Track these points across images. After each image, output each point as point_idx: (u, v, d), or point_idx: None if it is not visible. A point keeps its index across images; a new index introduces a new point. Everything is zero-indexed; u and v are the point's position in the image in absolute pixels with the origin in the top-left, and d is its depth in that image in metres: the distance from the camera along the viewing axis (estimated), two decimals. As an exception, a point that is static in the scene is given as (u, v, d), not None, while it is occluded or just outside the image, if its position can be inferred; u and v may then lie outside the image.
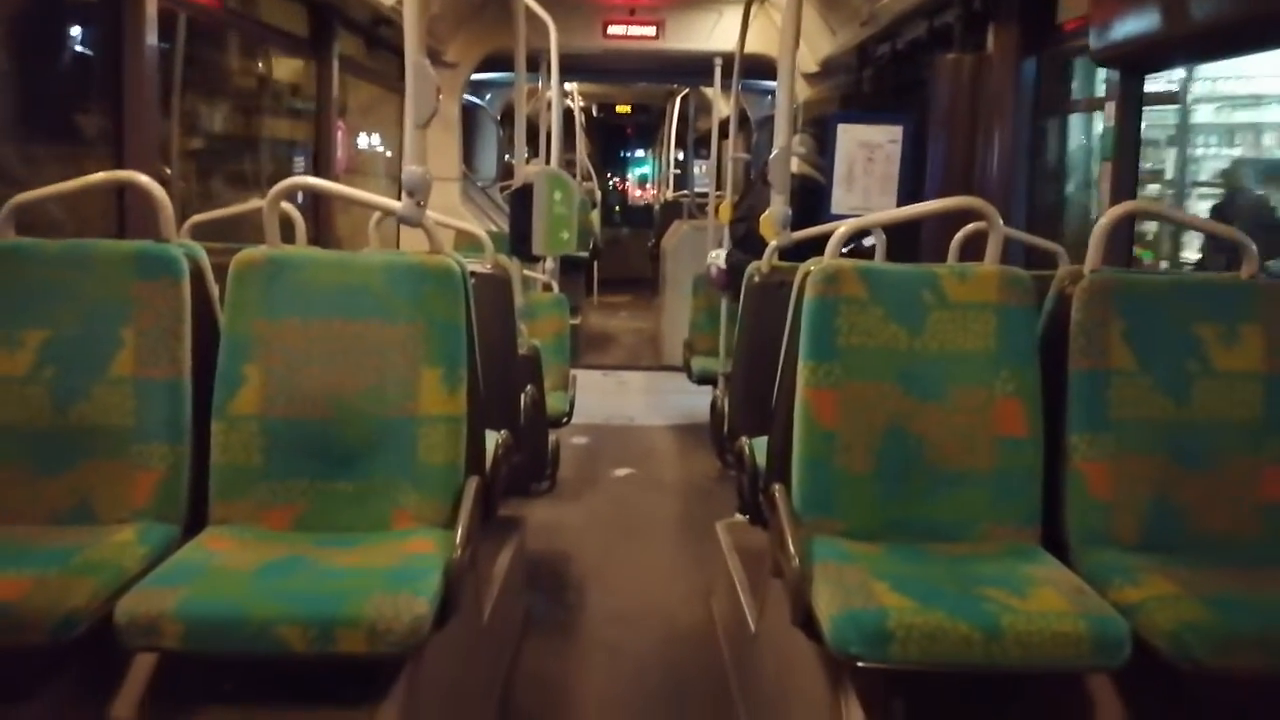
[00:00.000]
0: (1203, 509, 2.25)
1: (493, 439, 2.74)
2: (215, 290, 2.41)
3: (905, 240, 3.93)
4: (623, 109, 16.65)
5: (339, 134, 5.58)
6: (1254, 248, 2.33)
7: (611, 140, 18.06)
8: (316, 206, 5.12)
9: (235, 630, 1.80)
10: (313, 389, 2.28)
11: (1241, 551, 2.20)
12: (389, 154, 7.05)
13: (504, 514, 3.62)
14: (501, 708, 3.00)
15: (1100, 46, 3.13)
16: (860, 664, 1.84)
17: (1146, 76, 3.22)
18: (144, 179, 2.37)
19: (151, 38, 3.28)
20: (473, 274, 2.50)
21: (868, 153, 4.41)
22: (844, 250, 2.52)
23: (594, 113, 16.27)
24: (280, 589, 1.88)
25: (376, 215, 3.70)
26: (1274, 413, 2.27)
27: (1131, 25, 3.00)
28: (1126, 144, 3.17)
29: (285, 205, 2.81)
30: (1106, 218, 2.37)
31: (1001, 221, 2.41)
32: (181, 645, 1.79)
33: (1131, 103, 3.18)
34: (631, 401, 7.36)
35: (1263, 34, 2.72)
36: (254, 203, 4.07)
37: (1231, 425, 2.27)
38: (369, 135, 6.78)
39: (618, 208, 16.28)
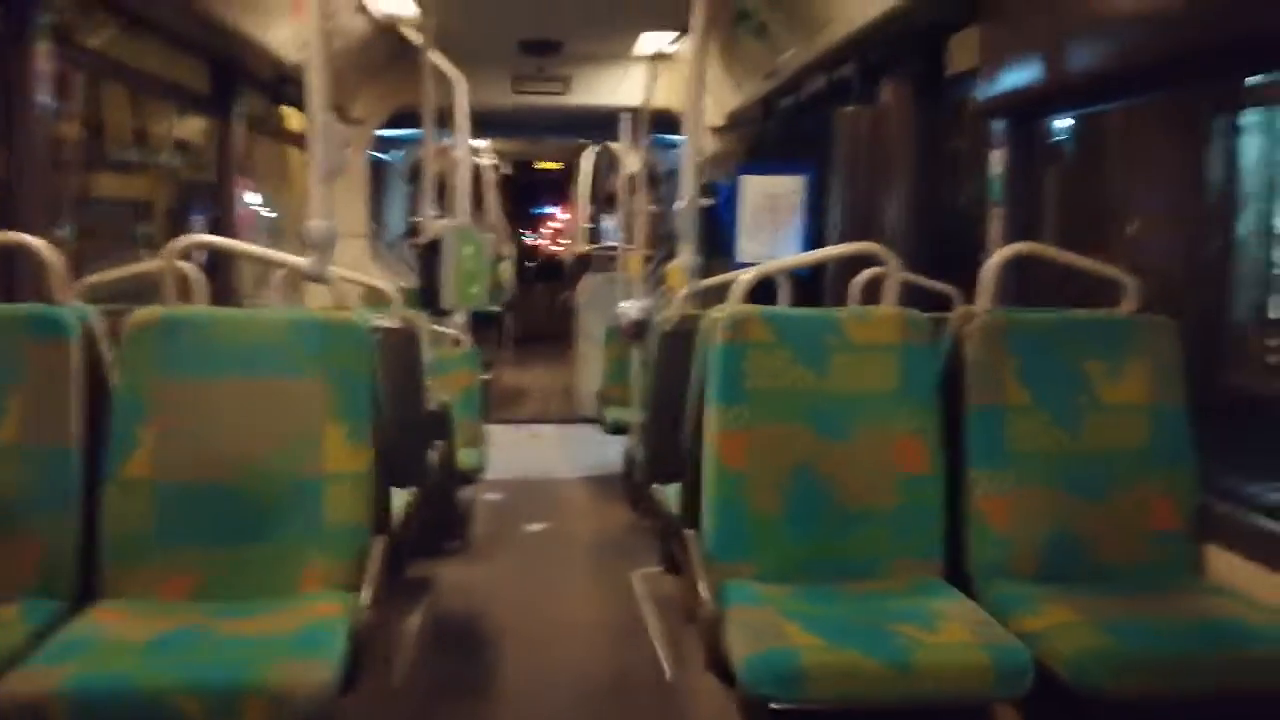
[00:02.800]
0: (1098, 538, 2.33)
1: (401, 497, 2.69)
2: (108, 354, 2.33)
3: (809, 286, 4.03)
4: (536, 165, 16.78)
5: (243, 193, 5.48)
6: (1134, 284, 2.45)
7: (524, 195, 18.14)
8: (216, 264, 5.01)
9: (127, 706, 1.71)
10: (211, 450, 2.21)
11: (1134, 578, 2.28)
12: (293, 211, 6.96)
13: (415, 574, 3.55)
14: (415, 773, 2.90)
15: (987, 97, 3.28)
16: (774, 705, 1.84)
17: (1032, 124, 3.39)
18: (35, 241, 2.29)
19: (44, 94, 3.18)
20: (379, 329, 2.47)
21: (771, 203, 4.53)
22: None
23: (506, 168, 16.34)
24: (176, 660, 1.80)
25: (280, 271, 3.64)
26: (1159, 443, 2.37)
27: (1016, 76, 3.16)
28: (1015, 189, 3.32)
29: (184, 264, 2.75)
30: (995, 258, 2.47)
31: (897, 265, 2.48)
32: None
33: (1019, 149, 3.33)
34: (545, 455, 7.31)
35: (1142, 82, 2.89)
36: (151, 263, 3.97)
37: (1121, 456, 2.37)
38: (273, 192, 6.69)
39: (530, 262, 16.30)
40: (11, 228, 3.06)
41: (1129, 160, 3.63)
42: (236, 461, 2.21)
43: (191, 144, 5.40)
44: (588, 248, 13.29)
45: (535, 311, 13.82)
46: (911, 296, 3.08)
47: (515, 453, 7.09)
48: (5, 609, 1.99)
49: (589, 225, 14.06)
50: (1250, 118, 3.34)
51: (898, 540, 2.29)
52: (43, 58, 3.15)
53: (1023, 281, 3.34)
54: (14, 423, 2.15)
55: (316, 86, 2.33)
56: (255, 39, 4.50)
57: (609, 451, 6.81)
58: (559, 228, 18.63)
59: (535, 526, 5.49)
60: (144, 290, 4.02)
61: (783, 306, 3.14)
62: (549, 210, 18.86)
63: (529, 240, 18.27)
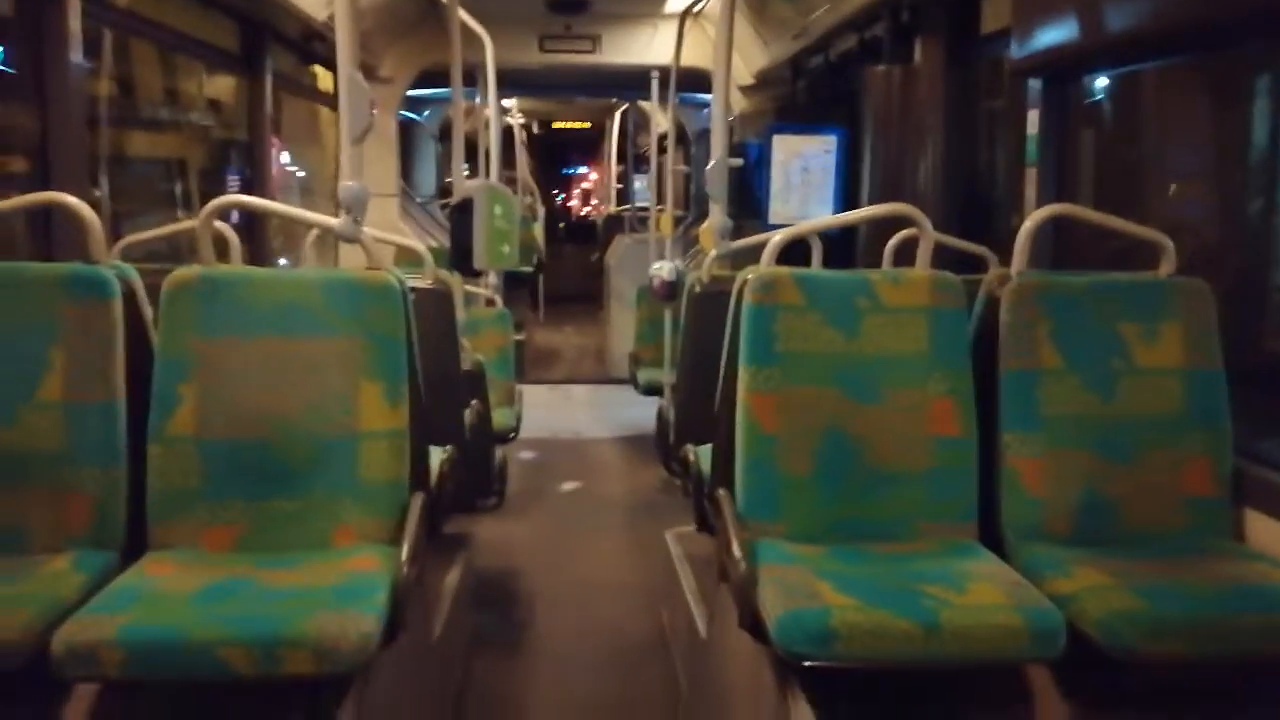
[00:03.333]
0: (1131, 502, 2.32)
1: (437, 455, 2.73)
2: (149, 312, 2.38)
3: (842, 247, 4.02)
4: (564, 125, 16.70)
5: (274, 150, 5.52)
6: (1171, 247, 2.42)
7: (554, 156, 18.09)
8: (251, 225, 5.06)
9: (177, 655, 1.76)
10: (251, 408, 2.25)
11: (1167, 542, 2.28)
12: (324, 170, 6.99)
13: (451, 531, 3.61)
14: (452, 726, 2.98)
15: (1021, 57, 3.22)
16: (806, 664, 1.86)
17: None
18: (71, 200, 2.32)
19: (76, 55, 3.21)
20: (413, 289, 2.50)
21: (803, 163, 4.50)
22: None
23: (535, 129, 16.29)
24: (222, 611, 1.85)
25: (314, 232, 3.67)
26: (1193, 407, 2.36)
27: (1051, 36, 3.10)
28: (1050, 150, 3.27)
29: (219, 224, 2.78)
30: (1030, 221, 2.45)
31: (930, 227, 2.47)
32: (122, 674, 1.76)
33: (1054, 110, 3.28)
34: (578, 415, 7.37)
35: (1179, 41, 2.84)
36: (186, 223, 4.02)
37: (1155, 420, 2.35)
38: (304, 152, 6.72)
39: (562, 223, 16.29)
40: (46, 187, 3.13)
41: (1169, 118, 3.56)
42: (276, 419, 2.25)
43: (223, 103, 5.43)
44: (617, 208, 13.29)
45: (566, 272, 13.86)
46: (946, 258, 3.07)
47: (549, 412, 7.16)
48: (59, 559, 2.06)
49: (618, 186, 14.04)
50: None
51: (930, 502, 2.30)
52: (73, 16, 3.17)
53: (1059, 243, 3.31)
54: (59, 380, 2.20)
55: (344, 46, 2.33)
56: (285, -2, 4.51)
57: (641, 412, 6.85)
58: (589, 188, 18.59)
59: (569, 485, 5.56)
60: (178, 249, 4.08)
61: (815, 268, 3.13)
62: (579, 170, 18.80)
63: (560, 201, 18.25)
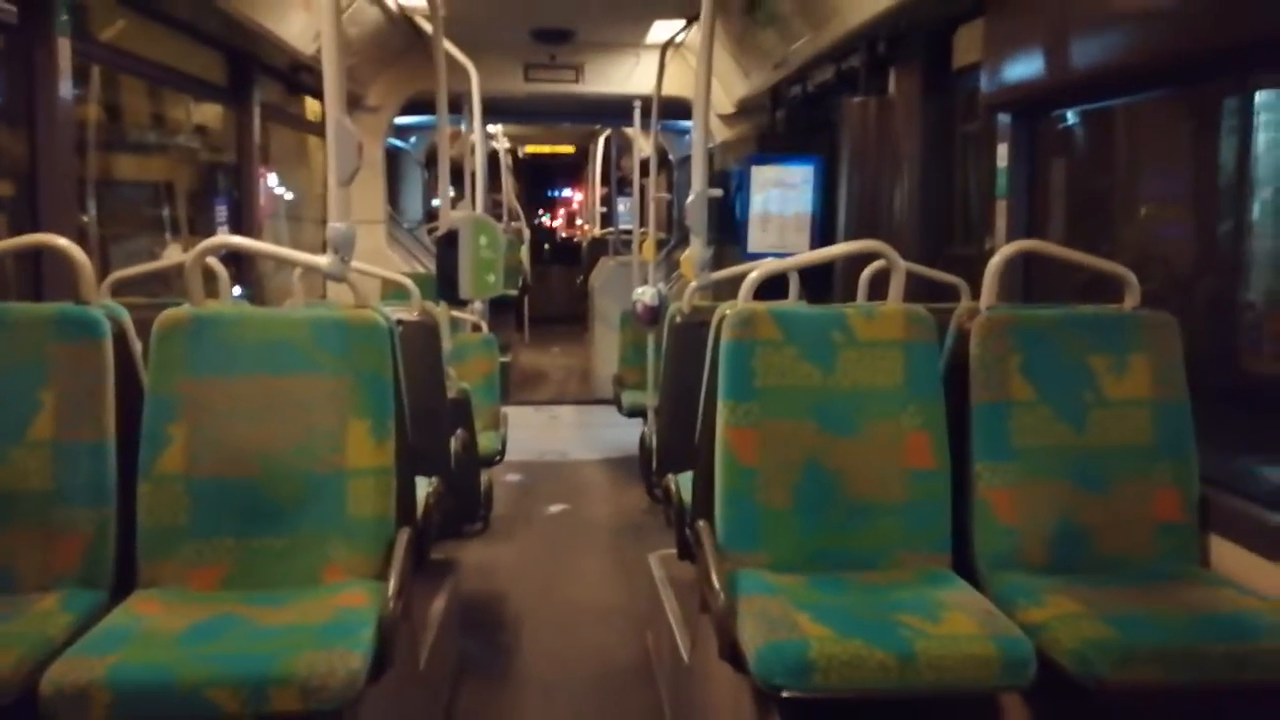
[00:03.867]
0: (1102, 530, 2.38)
1: (424, 487, 2.77)
2: (138, 349, 2.41)
3: (819, 275, 4.08)
4: (549, 149, 16.81)
5: (263, 181, 5.56)
6: (1135, 281, 2.50)
7: (538, 178, 18.18)
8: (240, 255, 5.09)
9: (165, 696, 1.79)
10: (239, 446, 2.29)
11: (1138, 569, 2.34)
12: (311, 192, 7.03)
13: (437, 557, 3.64)
14: (439, 755, 3.00)
15: (992, 90, 3.31)
16: (785, 694, 1.91)
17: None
18: (62, 242, 2.36)
19: (66, 90, 3.25)
20: (399, 321, 2.54)
21: (781, 192, 4.57)
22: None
23: (520, 153, 16.38)
24: (210, 651, 1.88)
25: (300, 270, 3.71)
26: (1162, 437, 2.42)
27: (1020, 71, 3.19)
28: (1019, 184, 3.35)
29: (210, 260, 2.82)
30: (999, 256, 2.52)
31: (902, 262, 2.53)
32: (110, 715, 1.78)
33: (1023, 144, 3.36)
34: (563, 436, 7.40)
35: (1143, 79, 2.92)
36: (176, 257, 4.04)
37: (1125, 450, 2.42)
38: (291, 175, 6.77)
39: (546, 245, 16.36)
40: (35, 219, 3.17)
41: (1139, 145, 3.65)
42: (264, 457, 2.29)
43: (210, 127, 5.47)
44: (601, 231, 13.36)
45: (551, 293, 13.92)
46: (920, 284, 3.14)
47: (534, 434, 7.19)
48: (47, 598, 2.08)
49: (603, 209, 14.13)
50: (1265, 98, 3.35)
51: (906, 533, 2.35)
52: (64, 53, 3.22)
53: (1029, 273, 3.38)
54: (49, 419, 2.23)
55: (332, 91, 2.38)
56: (270, 31, 4.56)
57: (625, 433, 6.89)
58: (573, 210, 18.67)
59: (554, 508, 5.59)
60: (165, 276, 4.10)
61: (793, 300, 3.20)
62: (563, 193, 18.90)
63: (544, 222, 18.32)
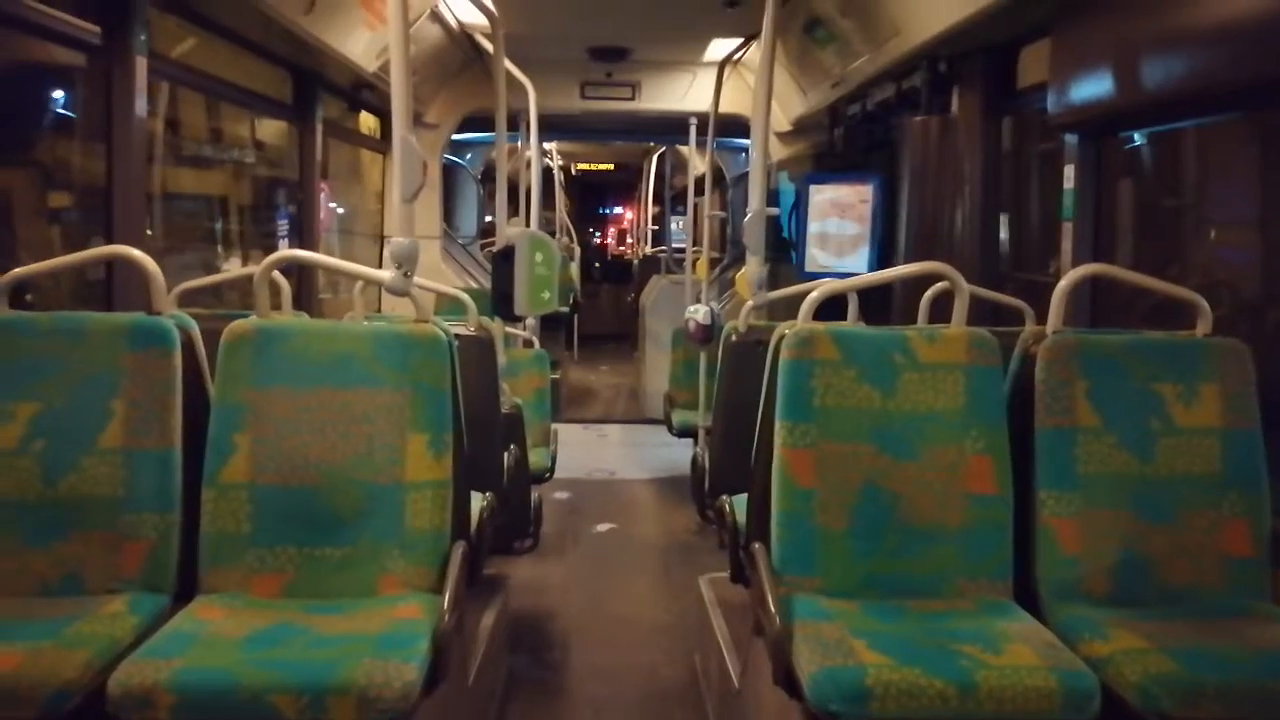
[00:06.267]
0: (1168, 562, 2.32)
1: (478, 501, 2.79)
2: (205, 359, 2.46)
3: (878, 297, 4.05)
4: (601, 166, 16.92)
5: (322, 196, 5.67)
6: (1207, 307, 2.44)
7: (590, 197, 18.30)
8: (300, 266, 5.19)
9: (229, 700, 1.82)
10: (302, 457, 2.32)
11: (1205, 603, 2.27)
12: (364, 207, 7.14)
13: (488, 573, 3.65)
14: (487, 769, 3.00)
15: (1058, 111, 3.26)
16: None
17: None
18: (135, 253, 2.42)
19: (141, 107, 3.35)
20: (456, 336, 2.57)
21: (839, 212, 4.54)
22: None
23: (573, 170, 16.51)
24: (272, 658, 1.91)
25: (361, 283, 3.77)
26: (1231, 467, 2.35)
27: (1087, 91, 3.14)
28: (1085, 206, 3.30)
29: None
30: (1066, 280, 2.47)
31: (965, 284, 2.50)
32: (174, 717, 1.81)
33: (1089, 166, 3.31)
34: (612, 455, 7.40)
35: (1214, 101, 2.86)
36: (241, 270, 4.11)
37: (1193, 480, 2.35)
38: (345, 190, 6.88)
39: (597, 263, 16.44)
40: (109, 232, 3.26)
41: (1211, 166, 3.57)
42: (326, 468, 2.32)
43: (269, 143, 5.59)
44: (653, 249, 13.40)
45: (601, 311, 13.96)
46: (983, 308, 3.09)
47: (582, 452, 7.20)
48: (114, 601, 2.13)
49: (654, 227, 14.17)
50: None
51: (965, 560, 2.31)
52: (141, 71, 3.32)
53: (1096, 297, 3.32)
54: (120, 426, 2.28)
55: (399, 111, 2.42)
56: (335, 50, 4.65)
57: (674, 453, 6.87)
58: (623, 229, 18.76)
59: (603, 527, 5.58)
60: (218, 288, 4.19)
61: (852, 320, 3.17)
62: (614, 210, 19.00)
63: (594, 240, 18.42)
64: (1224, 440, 2.37)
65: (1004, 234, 4.17)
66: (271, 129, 5.51)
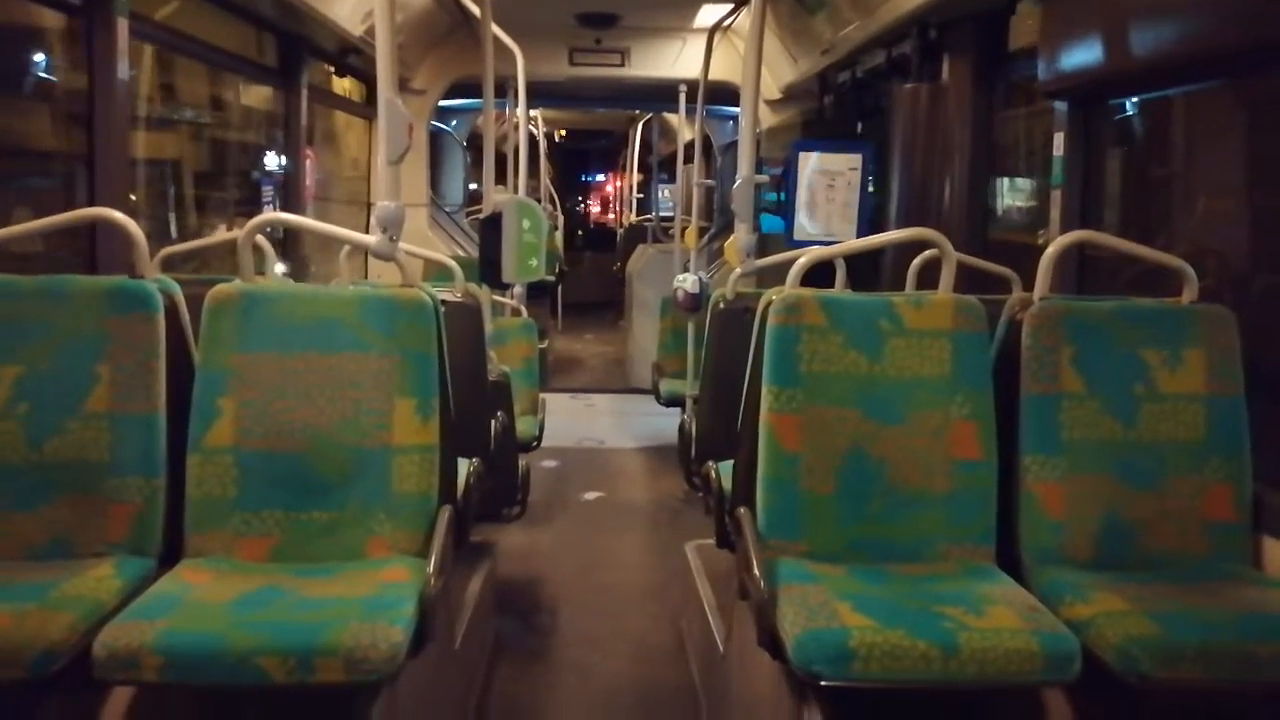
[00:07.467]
0: (1151, 527, 2.34)
1: (465, 466, 2.79)
2: (189, 323, 2.45)
3: (866, 265, 4.04)
4: (585, 132, 16.80)
5: (308, 161, 5.61)
6: (1193, 274, 2.44)
7: (573, 164, 18.18)
8: (285, 230, 5.15)
9: (215, 662, 1.82)
10: (287, 421, 2.31)
11: (1187, 567, 2.30)
12: (341, 174, 7.07)
13: (475, 539, 3.66)
14: (473, 732, 3.03)
15: (1048, 78, 3.25)
16: (824, 682, 1.90)
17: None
18: (118, 216, 2.40)
19: (123, 70, 3.29)
20: (443, 303, 2.55)
21: (828, 179, 4.53)
22: None
23: (555, 137, 16.40)
24: (259, 620, 1.91)
25: (347, 247, 3.74)
26: (1215, 433, 2.37)
27: (1078, 58, 3.12)
28: (1074, 173, 3.29)
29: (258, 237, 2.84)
30: (1054, 246, 2.47)
31: (953, 250, 2.50)
32: (160, 678, 1.82)
33: (1079, 133, 3.30)
34: (600, 424, 7.41)
35: (1208, 67, 2.85)
36: (225, 234, 4.08)
37: (1176, 446, 2.37)
38: (321, 155, 6.81)
39: (580, 230, 16.35)
40: (92, 196, 3.22)
41: (1197, 134, 3.57)
42: (311, 433, 2.31)
43: (256, 109, 5.53)
44: (639, 218, 13.34)
45: (584, 281, 13.90)
46: (971, 275, 3.09)
47: (570, 421, 7.20)
48: (100, 565, 2.13)
49: (639, 195, 14.10)
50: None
51: (950, 524, 2.33)
52: (123, 35, 3.26)
53: (1084, 264, 3.32)
54: (105, 390, 2.27)
55: (384, 71, 2.39)
56: (321, 13, 4.59)
57: (661, 422, 6.88)
58: (606, 197, 18.67)
59: (591, 495, 5.60)
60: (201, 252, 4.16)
61: (839, 287, 3.17)
62: (598, 178, 18.88)
63: (578, 208, 18.33)
64: (1208, 406, 2.38)
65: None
66: (260, 96, 5.44)
